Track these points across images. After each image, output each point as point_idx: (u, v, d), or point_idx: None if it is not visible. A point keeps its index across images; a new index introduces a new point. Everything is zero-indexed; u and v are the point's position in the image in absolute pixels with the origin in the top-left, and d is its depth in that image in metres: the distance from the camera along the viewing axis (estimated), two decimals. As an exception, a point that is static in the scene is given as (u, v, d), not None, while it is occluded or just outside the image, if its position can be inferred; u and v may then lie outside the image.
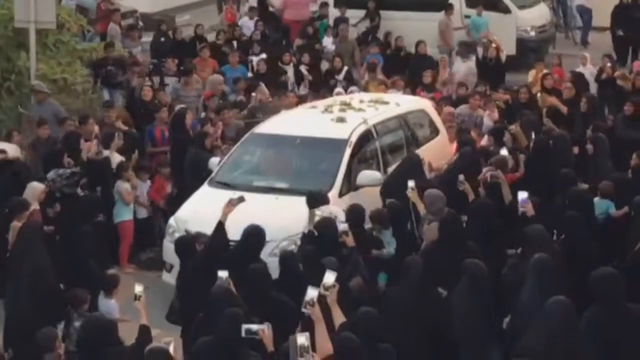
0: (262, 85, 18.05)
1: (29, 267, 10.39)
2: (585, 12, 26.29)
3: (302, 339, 7.82)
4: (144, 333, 8.99)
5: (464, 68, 20.55)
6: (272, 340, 8.34)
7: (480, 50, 21.28)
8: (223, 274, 9.34)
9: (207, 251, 10.55)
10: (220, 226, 10.77)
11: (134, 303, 9.29)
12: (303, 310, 8.27)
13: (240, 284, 9.35)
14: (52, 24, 17.59)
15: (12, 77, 17.28)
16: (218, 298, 8.88)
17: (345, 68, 20.46)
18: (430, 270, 9.48)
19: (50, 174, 13.49)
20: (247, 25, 24.49)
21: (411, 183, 11.74)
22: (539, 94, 17.55)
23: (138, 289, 9.27)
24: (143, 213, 14.48)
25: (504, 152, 13.35)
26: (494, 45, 21.07)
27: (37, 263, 10.45)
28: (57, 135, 15.21)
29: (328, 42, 22.94)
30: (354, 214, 11.30)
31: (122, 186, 13.76)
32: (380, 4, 24.68)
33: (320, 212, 11.11)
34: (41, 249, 10.63)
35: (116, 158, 14.30)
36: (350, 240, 10.38)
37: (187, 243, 10.80)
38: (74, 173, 13.52)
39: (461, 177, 11.92)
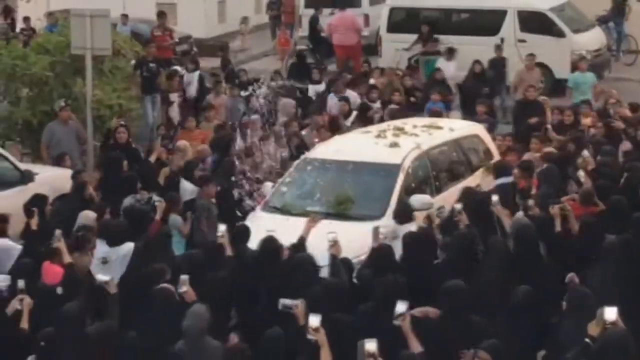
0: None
1: None
2: None
3: (370, 345, 7.87)
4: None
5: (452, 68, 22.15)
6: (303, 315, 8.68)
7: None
8: None
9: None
10: (302, 240, 11.17)
11: None
12: (308, 337, 8.34)
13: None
14: (108, 51, 17.83)
15: (69, 102, 17.48)
16: None
17: (355, 113, 18.90)
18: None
19: (128, 200, 13.39)
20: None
21: (495, 197, 11.92)
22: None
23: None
24: None
25: (581, 173, 13.14)
26: (612, 100, 18.49)
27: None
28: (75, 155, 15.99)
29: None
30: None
31: (177, 219, 13.10)
32: (434, 28, 24.66)
33: (385, 231, 11.02)
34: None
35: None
36: (464, 219, 11.42)
37: (274, 250, 10.69)
38: (150, 198, 13.43)
39: (495, 198, 11.96)
